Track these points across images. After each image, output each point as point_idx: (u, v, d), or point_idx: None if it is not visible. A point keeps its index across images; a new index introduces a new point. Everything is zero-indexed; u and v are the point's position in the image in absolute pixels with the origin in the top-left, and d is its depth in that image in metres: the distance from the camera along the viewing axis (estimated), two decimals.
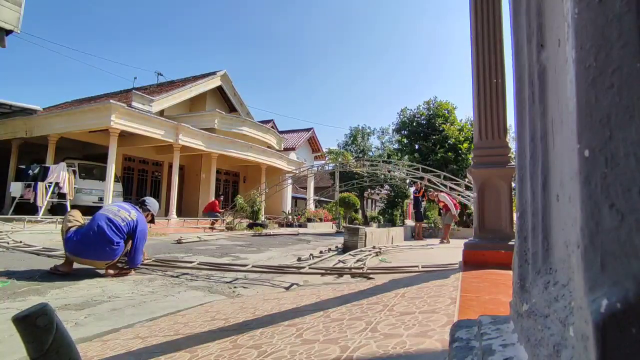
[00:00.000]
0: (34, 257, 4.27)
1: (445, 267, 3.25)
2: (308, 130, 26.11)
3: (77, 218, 3.57)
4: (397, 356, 0.98)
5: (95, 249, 3.32)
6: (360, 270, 3.42)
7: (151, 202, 4.00)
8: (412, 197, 12.39)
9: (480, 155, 2.83)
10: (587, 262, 0.34)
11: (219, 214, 12.65)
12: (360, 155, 21.38)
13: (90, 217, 3.56)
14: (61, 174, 10.02)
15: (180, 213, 13.66)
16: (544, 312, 0.46)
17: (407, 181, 15.17)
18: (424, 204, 11.93)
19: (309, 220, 15.05)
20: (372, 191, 24.77)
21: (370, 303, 1.74)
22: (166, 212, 12.86)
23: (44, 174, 10.00)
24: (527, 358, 0.49)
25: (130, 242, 3.57)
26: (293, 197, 20.60)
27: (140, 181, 14.81)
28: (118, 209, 3.61)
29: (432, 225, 13.00)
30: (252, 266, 3.75)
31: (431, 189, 11.45)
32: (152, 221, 4.08)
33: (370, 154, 22.35)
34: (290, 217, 15.04)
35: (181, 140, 12.33)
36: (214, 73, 16.30)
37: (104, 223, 3.39)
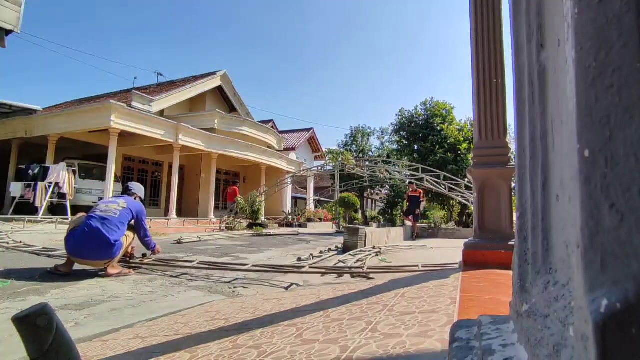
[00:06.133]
0: (34, 257, 4.26)
1: (445, 267, 3.25)
2: (308, 130, 26.12)
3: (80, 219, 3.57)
4: (397, 356, 0.98)
5: (91, 249, 3.31)
6: (360, 270, 3.42)
7: (135, 186, 4.07)
8: (407, 196, 11.96)
9: (480, 155, 2.83)
10: (587, 262, 0.34)
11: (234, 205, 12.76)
12: (361, 155, 21.35)
13: None
14: (61, 174, 10.01)
15: (180, 213, 13.65)
16: (544, 312, 0.46)
17: (407, 182, 15.16)
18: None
19: (309, 220, 15.02)
20: (372, 191, 24.76)
21: (370, 303, 1.74)
22: (166, 212, 12.85)
23: (44, 174, 9.99)
24: (527, 358, 0.49)
25: (135, 228, 3.70)
26: (293, 197, 20.59)
27: (140, 181, 14.77)
28: (106, 204, 3.63)
29: (433, 224, 12.96)
30: (252, 265, 3.75)
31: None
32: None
33: (371, 154, 22.32)
34: (290, 217, 15.02)
35: (181, 140, 12.32)
36: (213, 73, 16.28)
37: (97, 221, 3.38)
